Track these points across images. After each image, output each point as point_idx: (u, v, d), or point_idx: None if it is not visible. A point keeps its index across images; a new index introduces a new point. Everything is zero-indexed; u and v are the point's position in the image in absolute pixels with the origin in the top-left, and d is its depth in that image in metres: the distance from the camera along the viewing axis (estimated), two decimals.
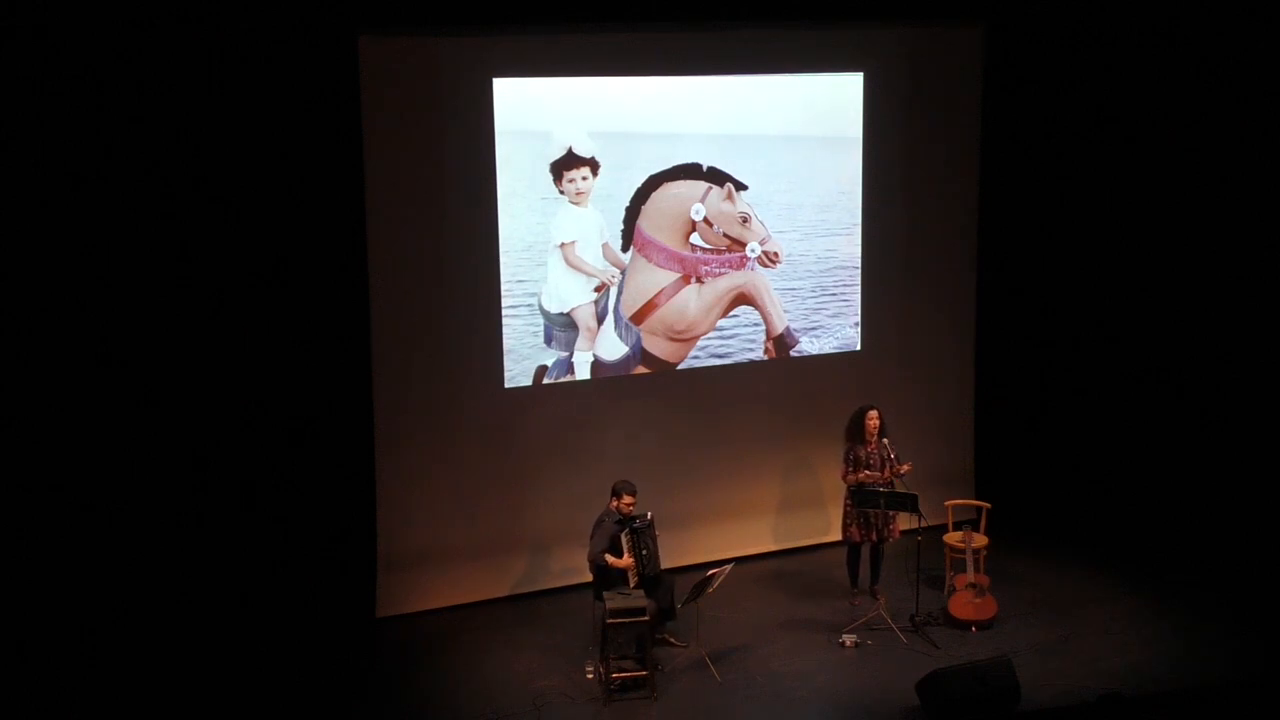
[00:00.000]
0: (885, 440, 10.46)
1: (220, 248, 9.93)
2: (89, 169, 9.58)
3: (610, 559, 9.78)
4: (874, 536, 10.50)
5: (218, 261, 9.96)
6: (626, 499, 9.89)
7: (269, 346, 10.17)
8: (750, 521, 11.75)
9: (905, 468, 10.36)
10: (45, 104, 9.43)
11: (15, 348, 9.57)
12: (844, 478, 10.49)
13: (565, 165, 10.87)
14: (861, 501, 10.30)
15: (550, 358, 10.97)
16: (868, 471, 10.39)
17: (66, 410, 9.77)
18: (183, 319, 9.95)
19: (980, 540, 10.62)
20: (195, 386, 10.04)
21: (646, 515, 10.04)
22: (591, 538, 9.91)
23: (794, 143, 11.64)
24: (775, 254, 11.59)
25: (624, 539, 9.84)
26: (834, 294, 11.90)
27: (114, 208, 9.68)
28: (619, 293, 11.16)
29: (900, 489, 10.31)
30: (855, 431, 10.49)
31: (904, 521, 10.50)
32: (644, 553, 9.86)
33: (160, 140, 9.67)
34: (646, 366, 11.31)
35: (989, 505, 10.96)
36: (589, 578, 10.06)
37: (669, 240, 11.29)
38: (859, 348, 11.99)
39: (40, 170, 9.49)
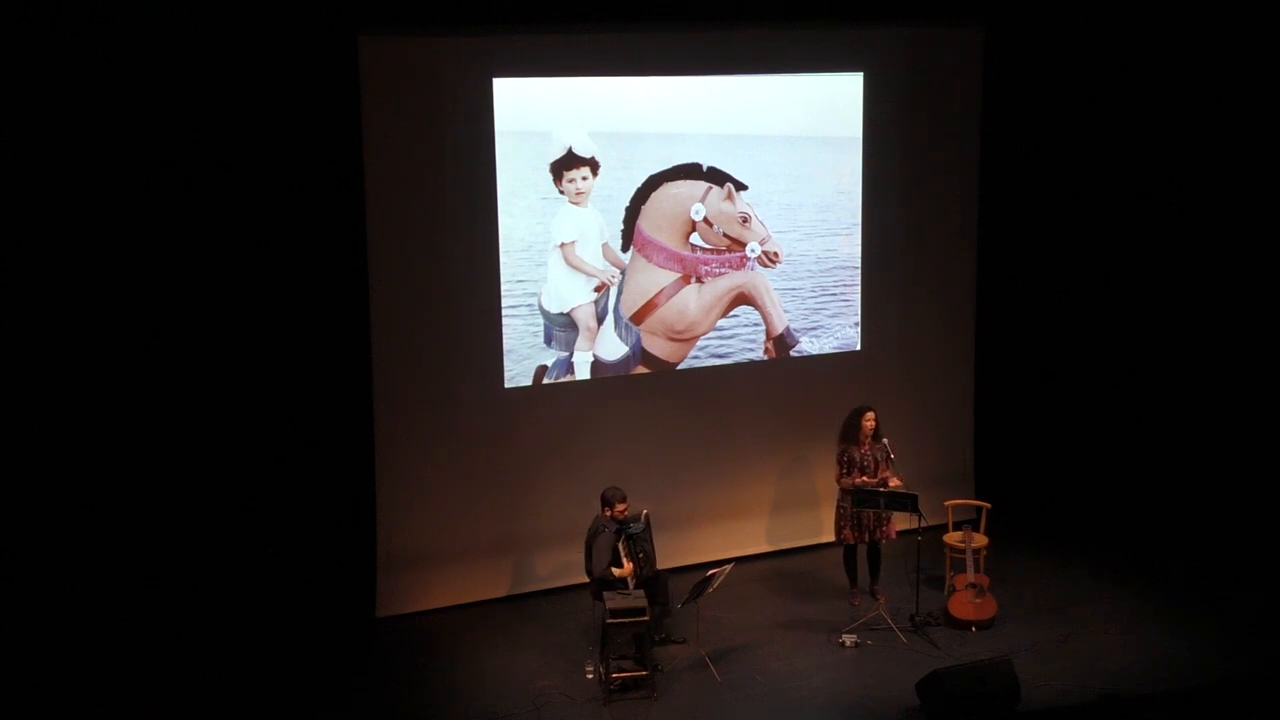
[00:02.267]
0: (885, 440, 10.46)
1: (220, 247, 9.93)
2: (87, 169, 9.58)
3: (613, 570, 9.78)
4: (867, 538, 10.49)
5: (217, 261, 9.96)
6: (619, 507, 9.88)
7: (270, 346, 10.16)
8: (751, 521, 11.74)
9: (895, 482, 10.35)
10: (44, 104, 9.43)
11: (17, 347, 9.57)
12: (838, 480, 10.49)
13: (565, 165, 10.87)
14: (861, 502, 10.29)
15: (550, 358, 10.97)
16: (864, 476, 10.38)
17: (67, 410, 9.77)
18: (181, 318, 9.95)
19: (980, 540, 10.62)
20: (196, 386, 10.04)
21: (641, 514, 10.04)
22: (589, 549, 9.90)
23: (794, 143, 11.65)
24: (775, 254, 11.59)
25: (621, 547, 9.84)
26: (834, 294, 11.90)
27: (113, 207, 9.68)
28: (619, 293, 11.16)
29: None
30: (850, 433, 10.49)
31: (903, 522, 10.49)
32: (641, 556, 9.86)
33: (160, 140, 9.67)
34: (646, 366, 11.31)
35: (989, 505, 10.96)
36: (589, 578, 10.07)
37: (669, 240, 11.29)
38: (859, 348, 12.00)
39: (38, 171, 9.50)
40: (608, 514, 9.89)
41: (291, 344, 10.20)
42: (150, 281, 9.82)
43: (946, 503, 11.19)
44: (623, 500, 9.88)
